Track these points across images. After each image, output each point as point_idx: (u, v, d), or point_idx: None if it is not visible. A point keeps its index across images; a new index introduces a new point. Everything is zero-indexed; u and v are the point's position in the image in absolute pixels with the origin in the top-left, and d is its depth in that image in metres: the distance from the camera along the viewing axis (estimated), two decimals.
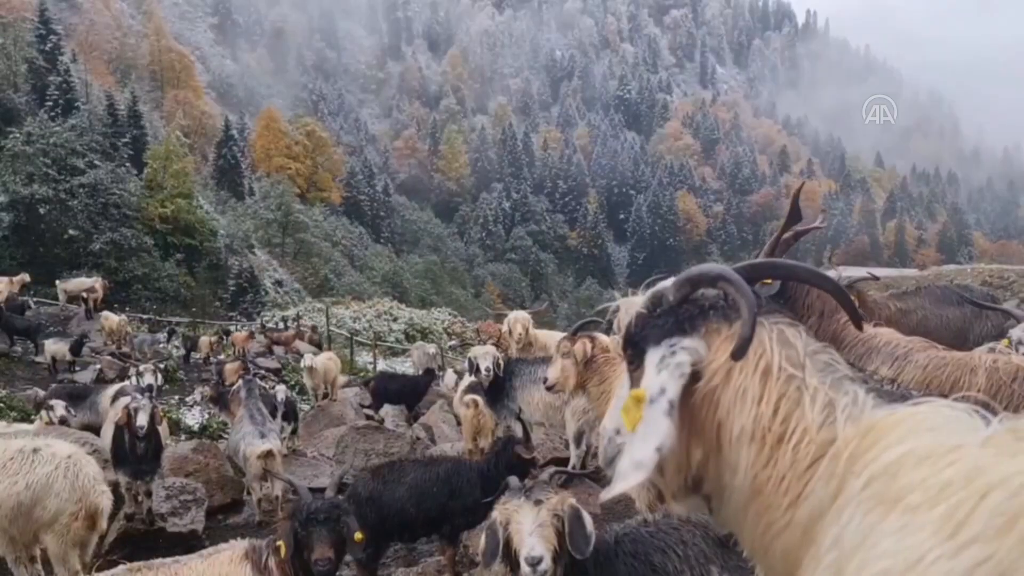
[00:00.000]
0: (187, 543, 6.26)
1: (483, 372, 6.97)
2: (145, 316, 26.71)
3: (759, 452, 1.22)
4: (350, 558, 4.57)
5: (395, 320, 32.09)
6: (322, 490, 4.07)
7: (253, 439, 7.17)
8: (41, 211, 32.51)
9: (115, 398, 8.14)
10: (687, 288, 1.37)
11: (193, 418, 12.58)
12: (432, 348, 19.73)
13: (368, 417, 11.52)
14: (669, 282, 1.41)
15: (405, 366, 21.28)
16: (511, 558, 2.92)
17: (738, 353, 1.23)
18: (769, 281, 2.88)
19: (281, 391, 9.64)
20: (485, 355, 7.08)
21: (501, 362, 7.13)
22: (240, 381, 8.67)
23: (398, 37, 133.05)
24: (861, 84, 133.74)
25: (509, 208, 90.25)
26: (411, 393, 11.27)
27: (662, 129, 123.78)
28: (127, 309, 24.84)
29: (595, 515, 4.21)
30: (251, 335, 21.11)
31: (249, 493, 7.59)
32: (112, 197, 35.27)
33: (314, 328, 25.18)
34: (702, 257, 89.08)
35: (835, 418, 1.18)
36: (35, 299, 23.60)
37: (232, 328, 25.41)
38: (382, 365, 22.08)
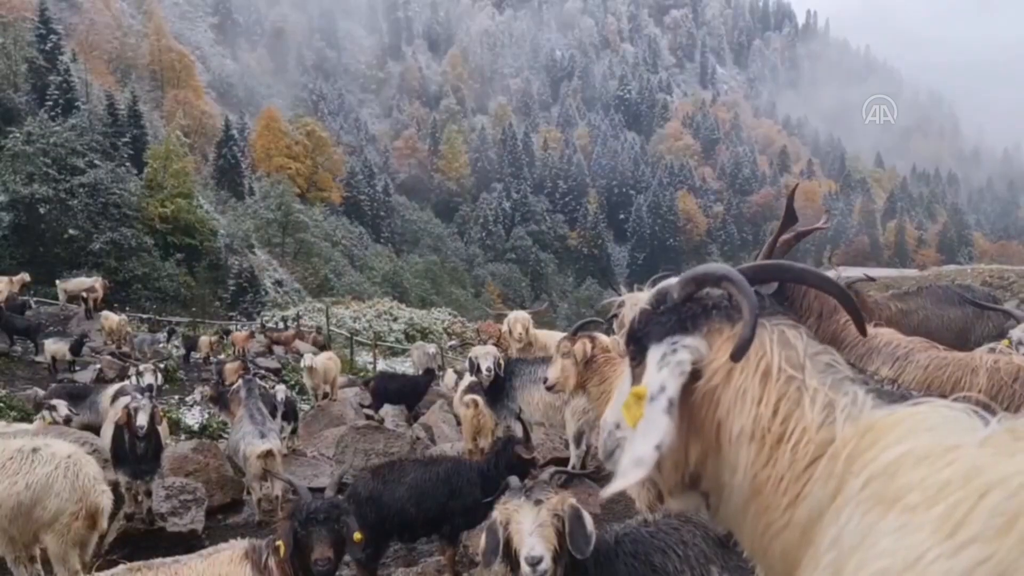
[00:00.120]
0: (187, 543, 6.26)
1: (484, 372, 6.96)
2: (145, 316, 26.71)
3: (759, 452, 1.22)
4: (350, 558, 4.57)
5: (395, 320, 32.10)
6: (322, 490, 4.07)
7: (253, 439, 7.17)
8: (41, 211, 32.52)
9: (115, 398, 8.14)
10: (691, 287, 1.38)
11: (193, 418, 12.57)
12: (432, 348, 19.73)
13: (368, 417, 11.51)
14: (674, 280, 1.42)
15: (405, 366, 21.28)
16: (511, 558, 2.92)
17: (738, 354, 1.23)
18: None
19: (281, 391, 9.63)
20: (486, 355, 7.08)
21: (501, 362, 7.13)
22: (240, 381, 8.66)
23: (398, 37, 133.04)
24: (861, 84, 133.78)
25: (509, 208, 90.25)
26: (411, 393, 11.27)
27: (662, 129, 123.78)
28: (127, 309, 24.84)
29: (595, 515, 4.21)
30: (251, 335, 21.10)
31: (249, 493, 7.59)
32: (112, 197, 35.28)
33: (318, 329, 25.14)
34: (702, 257, 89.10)
35: (834, 418, 1.18)
36: (35, 299, 23.60)
37: (232, 328, 25.41)
38: (382, 365, 22.08)
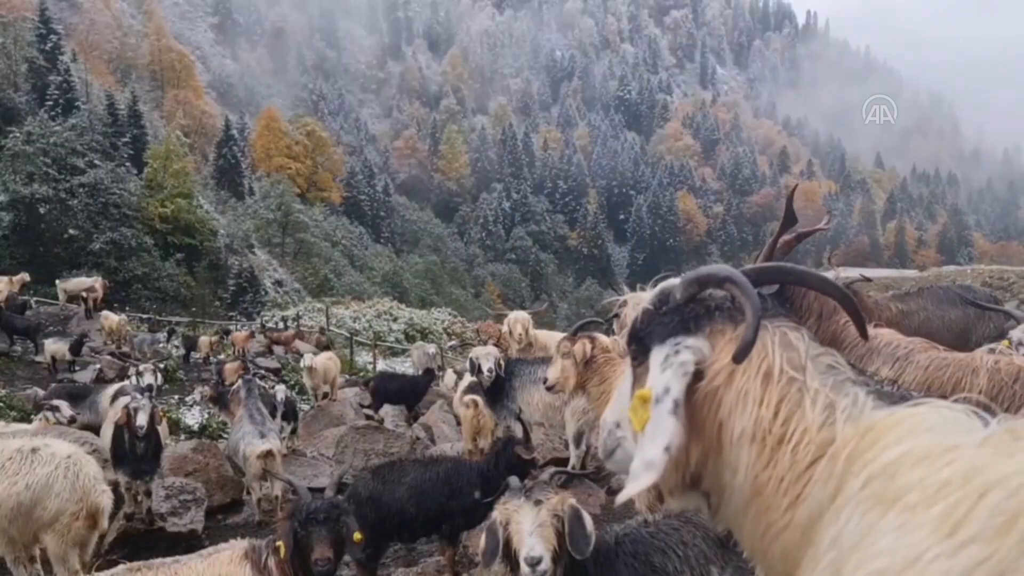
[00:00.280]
0: (187, 543, 6.26)
1: (485, 373, 6.95)
2: (145, 316, 26.69)
3: (760, 453, 1.22)
4: (350, 558, 4.57)
5: (395, 320, 32.09)
6: (322, 490, 4.07)
7: (253, 439, 7.17)
8: (41, 211, 32.54)
9: (115, 398, 8.14)
10: (694, 288, 1.38)
11: (193, 418, 12.57)
12: (432, 348, 19.73)
13: (368, 417, 11.52)
14: (676, 281, 1.42)
15: (405, 366, 21.28)
16: (511, 558, 2.92)
17: (740, 356, 1.23)
18: None
19: (280, 391, 9.63)
20: (487, 356, 7.07)
21: (502, 363, 7.13)
22: (240, 381, 8.67)
23: (398, 37, 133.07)
24: (861, 85, 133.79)
25: (509, 208, 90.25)
26: (411, 393, 11.27)
27: (662, 129, 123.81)
28: (127, 309, 24.84)
29: (595, 515, 4.22)
30: (251, 335, 21.09)
31: (249, 493, 7.59)
32: (112, 197, 35.30)
33: (321, 330, 25.09)
34: (702, 258, 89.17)
35: (835, 419, 1.19)
36: (35, 299, 23.61)
37: (232, 328, 25.39)
38: (382, 365, 22.09)
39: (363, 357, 24.06)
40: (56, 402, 8.51)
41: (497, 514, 3.03)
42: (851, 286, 5.79)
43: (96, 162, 35.85)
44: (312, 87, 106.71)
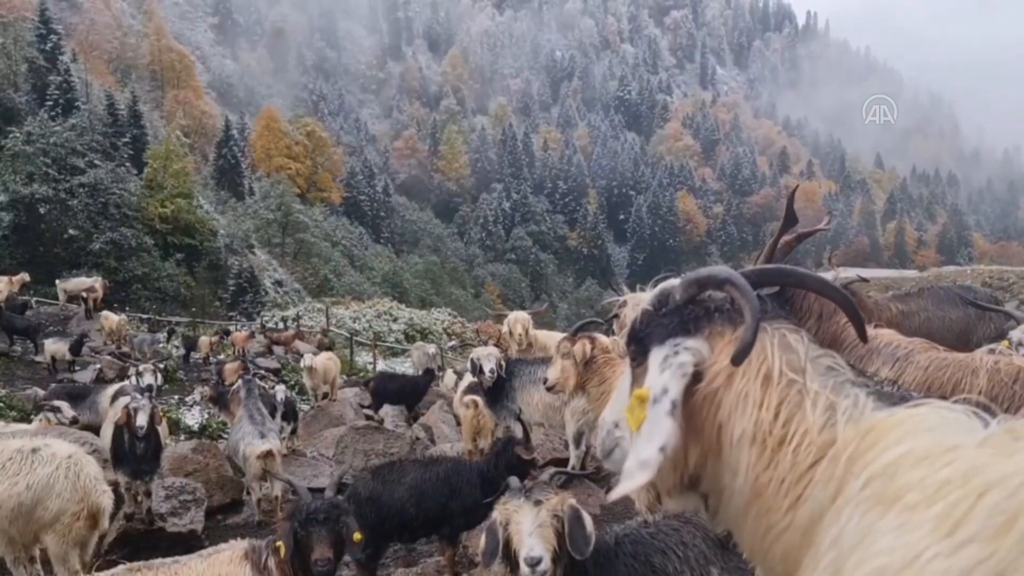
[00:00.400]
0: (187, 543, 6.26)
1: (487, 374, 6.94)
2: (145, 316, 26.67)
3: (760, 455, 1.22)
4: (350, 558, 4.57)
5: (395, 320, 32.09)
6: (322, 490, 4.07)
7: (253, 439, 7.16)
8: (41, 211, 32.53)
9: (115, 398, 8.13)
10: (694, 289, 1.38)
11: (193, 418, 12.57)
12: (432, 348, 19.73)
13: (368, 417, 11.52)
14: (676, 282, 1.42)
15: (405, 366, 21.29)
16: (511, 558, 2.93)
17: (738, 358, 1.24)
18: None
19: (280, 391, 9.63)
20: (489, 356, 7.06)
21: (503, 363, 7.13)
22: (240, 381, 8.66)
23: (398, 37, 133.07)
24: (861, 85, 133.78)
25: (509, 208, 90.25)
26: (411, 393, 11.26)
27: (662, 130, 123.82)
28: (127, 309, 24.83)
29: (595, 516, 4.22)
30: (251, 335, 21.09)
31: (249, 493, 7.58)
32: (112, 197, 35.28)
33: (324, 332, 25.04)
34: (702, 258, 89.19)
35: (836, 421, 1.19)
36: (35, 299, 23.61)
37: (232, 328, 25.39)
38: (382, 365, 22.09)
39: (363, 357, 24.07)
40: (57, 403, 8.50)
41: (497, 514, 3.03)
42: (849, 287, 5.79)
43: (96, 162, 35.84)
44: (312, 87, 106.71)
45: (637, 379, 1.42)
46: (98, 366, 15.29)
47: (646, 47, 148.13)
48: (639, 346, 1.43)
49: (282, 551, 3.34)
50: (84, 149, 35.78)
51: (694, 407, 1.30)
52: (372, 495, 5.08)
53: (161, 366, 12.12)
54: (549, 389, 5.09)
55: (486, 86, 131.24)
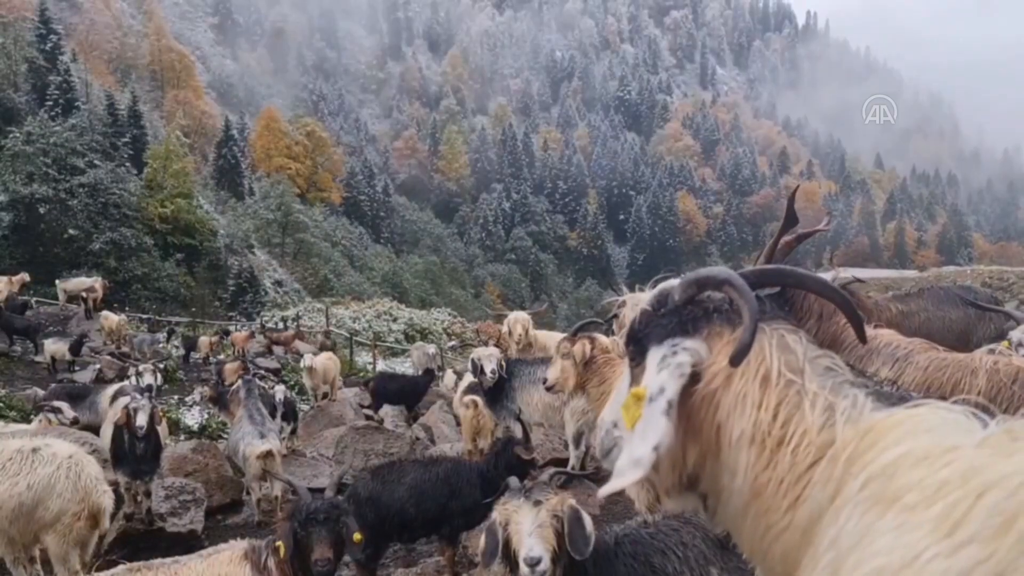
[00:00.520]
0: (186, 543, 6.26)
1: (488, 375, 6.93)
2: (145, 316, 26.67)
3: (759, 455, 1.23)
4: (349, 558, 4.57)
5: (395, 320, 32.08)
6: (321, 490, 4.07)
7: (252, 439, 7.16)
8: (41, 211, 32.53)
9: (114, 398, 8.14)
10: (693, 289, 1.39)
11: (192, 418, 12.57)
12: (432, 348, 19.73)
13: (368, 417, 11.52)
14: (675, 282, 1.42)
15: (405, 366, 21.29)
16: (510, 558, 2.93)
17: (736, 359, 1.24)
18: None
19: (280, 391, 9.63)
20: (490, 357, 7.05)
21: (503, 363, 7.13)
22: (239, 381, 8.66)
23: (398, 37, 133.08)
24: (861, 85, 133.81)
25: (509, 209, 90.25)
26: (411, 393, 11.26)
27: (662, 130, 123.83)
28: (127, 309, 24.84)
29: (594, 516, 4.22)
30: (251, 335, 21.09)
31: (248, 493, 7.58)
32: (112, 197, 35.29)
33: (327, 333, 25.00)
34: (701, 258, 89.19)
35: (834, 421, 1.19)
36: (35, 299, 23.61)
37: (232, 328, 25.39)
38: (382, 365, 22.09)
39: (363, 357, 24.06)
40: (58, 403, 8.49)
41: (496, 514, 3.03)
42: (847, 287, 5.79)
43: (96, 162, 35.85)
44: (312, 87, 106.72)
45: (635, 379, 1.42)
46: (98, 366, 15.29)
47: (646, 47, 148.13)
48: (638, 346, 1.43)
49: (282, 551, 3.34)
50: (84, 149, 35.78)
51: (692, 407, 1.30)
52: (372, 495, 5.08)
53: (161, 366, 12.13)
54: (549, 389, 5.09)
55: (486, 86, 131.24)
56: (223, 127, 64.46)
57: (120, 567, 3.44)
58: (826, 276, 4.89)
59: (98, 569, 3.76)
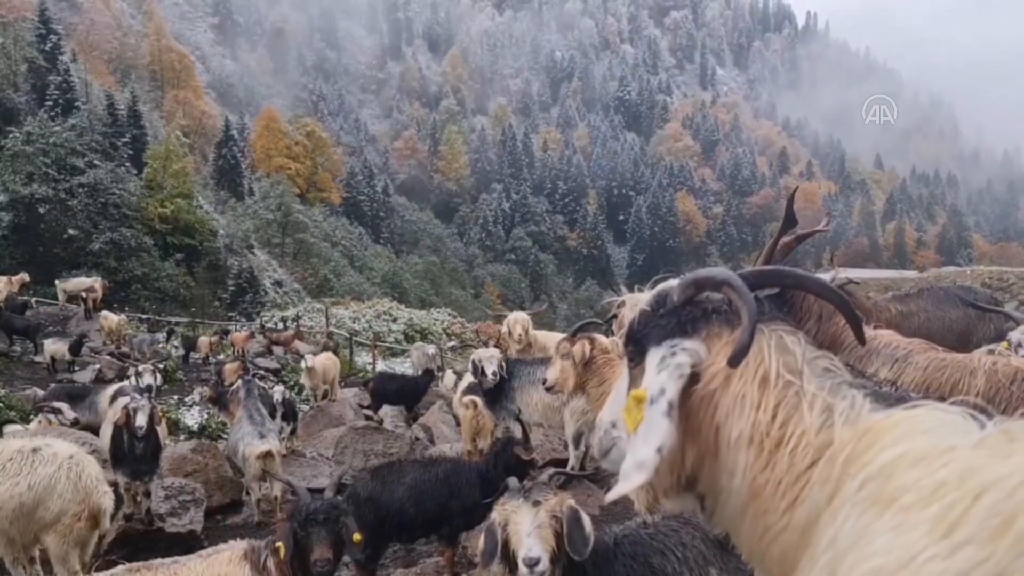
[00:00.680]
0: (186, 543, 6.26)
1: (490, 377, 6.92)
2: (144, 316, 26.67)
3: (757, 456, 1.23)
4: (349, 559, 4.57)
5: (394, 320, 32.06)
6: (321, 491, 4.07)
7: (252, 439, 7.16)
8: (41, 211, 32.53)
9: (114, 398, 8.13)
10: (692, 290, 1.39)
11: (192, 418, 12.55)
12: (431, 349, 19.72)
13: (367, 418, 11.52)
14: (674, 282, 1.42)
15: (404, 366, 21.28)
16: (509, 559, 2.93)
17: (735, 360, 1.24)
18: None
19: (279, 391, 9.63)
20: (491, 359, 7.04)
21: (504, 364, 7.13)
22: (239, 381, 8.66)
23: (398, 37, 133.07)
24: (861, 85, 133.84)
25: (509, 209, 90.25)
26: (410, 394, 11.27)
27: (662, 130, 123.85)
28: (126, 309, 24.82)
29: (594, 516, 4.22)
30: (251, 335, 21.09)
31: (248, 493, 7.58)
32: (112, 197, 35.29)
33: (330, 335, 24.97)
34: (701, 258, 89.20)
35: (832, 422, 1.19)
36: (35, 299, 23.62)
37: (231, 328, 25.39)
38: (381, 365, 22.08)
39: (363, 357, 24.06)
40: (58, 404, 8.50)
41: (496, 515, 3.03)
42: (845, 287, 5.79)
43: (96, 162, 35.84)
44: (312, 87, 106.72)
45: (635, 380, 1.42)
46: (97, 366, 15.30)
47: (646, 47, 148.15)
48: (637, 347, 1.43)
49: (281, 551, 3.34)
50: (84, 149, 35.78)
51: (691, 408, 1.30)
52: (371, 495, 5.08)
53: (160, 366, 12.13)
54: (548, 389, 5.09)
55: (486, 86, 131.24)
56: (223, 127, 64.46)
57: (120, 567, 3.44)
58: (824, 277, 4.89)
59: (97, 569, 3.76)
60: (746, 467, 1.24)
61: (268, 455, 6.99)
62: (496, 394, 7.14)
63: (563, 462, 6.97)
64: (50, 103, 40.96)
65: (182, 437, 10.70)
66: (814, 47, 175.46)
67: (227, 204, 55.40)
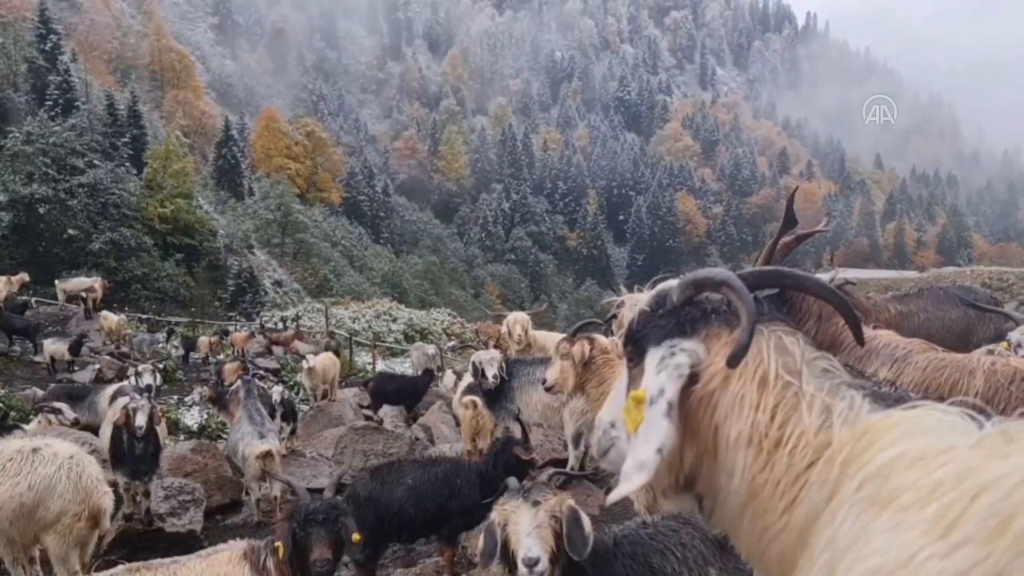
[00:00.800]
0: (185, 543, 6.26)
1: (490, 379, 6.92)
2: (144, 316, 26.67)
3: (756, 456, 1.23)
4: (348, 559, 4.57)
5: (394, 320, 32.05)
6: (321, 491, 4.07)
7: (252, 439, 7.16)
8: (41, 211, 32.53)
9: (114, 398, 8.13)
10: (691, 290, 1.39)
11: (192, 418, 12.55)
12: (431, 349, 19.71)
13: (367, 418, 11.52)
14: (674, 283, 1.42)
15: (404, 367, 21.27)
16: (509, 559, 2.93)
17: (733, 360, 1.24)
18: None
19: (278, 391, 9.62)
20: (491, 361, 7.04)
21: (504, 365, 7.13)
22: (239, 381, 8.66)
23: (398, 37, 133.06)
24: (861, 85, 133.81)
25: (509, 209, 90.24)
26: (410, 394, 11.27)
27: (662, 130, 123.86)
28: (126, 309, 24.82)
29: (593, 516, 4.22)
30: (250, 335, 21.08)
31: (248, 493, 7.58)
32: (112, 197, 35.29)
33: (332, 335, 24.96)
34: (701, 258, 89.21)
35: (831, 423, 1.19)
36: (35, 299, 23.61)
37: (231, 328, 25.38)
38: (381, 365, 22.07)
39: (362, 357, 24.05)
40: (58, 404, 8.49)
41: (495, 515, 3.04)
42: (843, 287, 5.80)
43: (96, 162, 35.85)
44: (312, 87, 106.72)
45: (634, 380, 1.42)
46: (97, 366, 15.30)
47: (646, 48, 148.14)
48: (636, 347, 1.43)
49: (281, 551, 3.34)
50: (84, 149, 35.79)
51: (690, 409, 1.30)
52: (371, 495, 5.08)
53: (160, 366, 12.13)
54: (548, 390, 5.09)
55: (486, 86, 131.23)
56: (223, 127, 64.46)
57: (119, 567, 3.44)
58: (824, 277, 4.89)
59: (97, 569, 3.76)
60: (745, 467, 1.24)
61: (268, 455, 6.98)
62: (496, 394, 7.14)
63: (563, 462, 6.97)
64: (50, 103, 40.98)
65: (182, 437, 10.69)
66: (814, 47, 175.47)
67: (227, 204, 55.41)
